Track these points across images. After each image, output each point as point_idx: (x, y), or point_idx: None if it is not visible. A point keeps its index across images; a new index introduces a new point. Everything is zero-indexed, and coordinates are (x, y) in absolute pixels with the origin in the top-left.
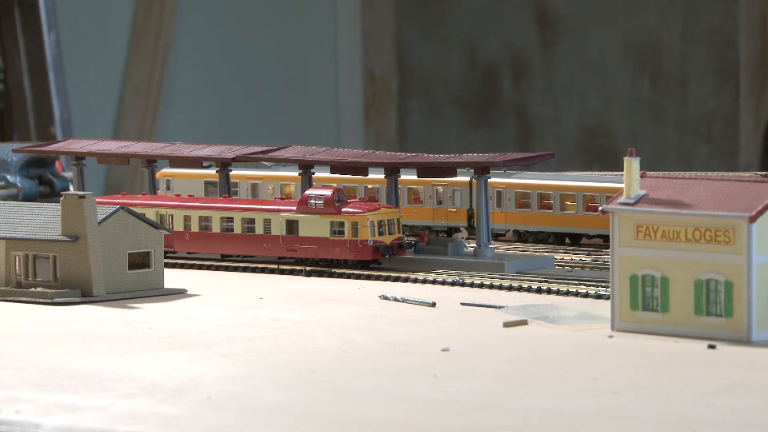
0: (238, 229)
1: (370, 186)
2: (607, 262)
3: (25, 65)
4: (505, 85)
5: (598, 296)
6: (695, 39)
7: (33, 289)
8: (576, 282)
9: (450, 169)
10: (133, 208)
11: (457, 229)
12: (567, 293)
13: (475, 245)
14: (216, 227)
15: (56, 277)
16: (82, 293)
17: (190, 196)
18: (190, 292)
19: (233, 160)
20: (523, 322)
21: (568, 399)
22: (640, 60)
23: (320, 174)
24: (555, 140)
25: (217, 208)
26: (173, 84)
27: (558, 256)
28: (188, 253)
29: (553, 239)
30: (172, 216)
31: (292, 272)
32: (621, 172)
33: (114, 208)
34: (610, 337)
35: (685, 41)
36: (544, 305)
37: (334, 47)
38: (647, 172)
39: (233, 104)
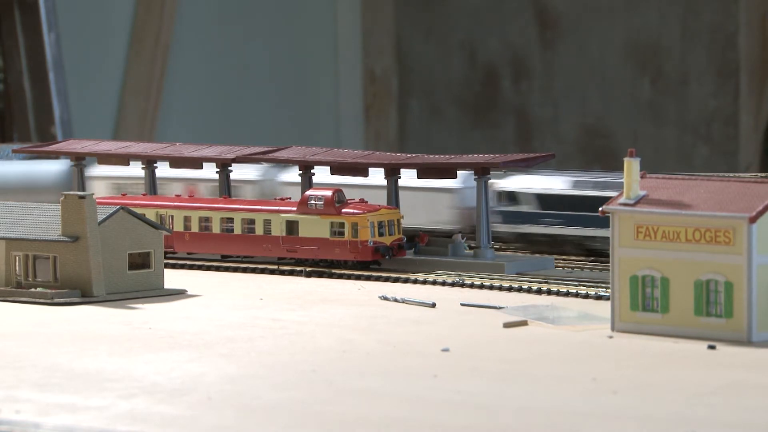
0: (238, 229)
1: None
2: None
3: (25, 65)
4: (505, 85)
5: (598, 297)
6: (695, 39)
7: (33, 290)
8: (576, 283)
9: (450, 170)
10: (133, 209)
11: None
12: (567, 294)
13: (474, 246)
14: (216, 228)
15: (56, 278)
16: (82, 293)
17: (190, 196)
18: (190, 292)
19: (233, 160)
20: (523, 323)
21: (568, 399)
22: (640, 60)
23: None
24: (555, 140)
25: (217, 209)
26: (173, 84)
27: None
28: (188, 253)
29: None
30: (172, 216)
31: (292, 273)
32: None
33: (114, 209)
34: (610, 337)
35: (685, 41)
36: (544, 306)
37: (334, 47)
38: (647, 173)
39: (233, 105)
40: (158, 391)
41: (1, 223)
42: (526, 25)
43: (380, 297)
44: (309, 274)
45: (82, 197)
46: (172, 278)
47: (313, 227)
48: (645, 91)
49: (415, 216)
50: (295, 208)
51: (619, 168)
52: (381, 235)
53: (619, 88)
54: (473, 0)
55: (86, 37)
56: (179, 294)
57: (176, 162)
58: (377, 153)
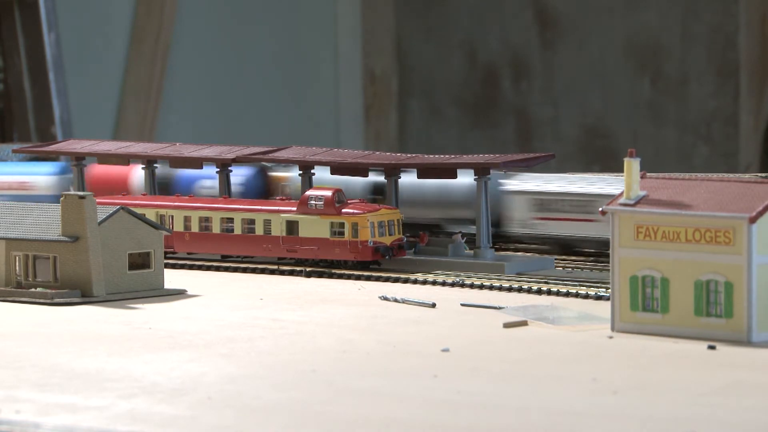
0: (238, 229)
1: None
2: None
3: (25, 65)
4: (505, 85)
5: (598, 297)
6: (695, 39)
7: (33, 290)
8: (576, 283)
9: (450, 170)
10: (133, 209)
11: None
12: (567, 294)
13: (474, 246)
14: (216, 228)
15: (56, 278)
16: (82, 293)
17: (190, 196)
18: (190, 292)
19: (233, 160)
20: (523, 323)
21: (568, 399)
22: (640, 60)
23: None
24: (555, 140)
25: (217, 209)
26: (173, 84)
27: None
28: (188, 253)
29: None
30: (172, 216)
31: (292, 273)
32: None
33: (114, 209)
34: (610, 337)
35: (685, 41)
36: (544, 306)
37: (334, 47)
38: (647, 173)
39: (233, 105)
40: (158, 391)
41: (1, 223)
42: (526, 25)
43: (380, 297)
44: (309, 274)
45: (82, 197)
46: (172, 278)
47: (313, 227)
48: (645, 91)
49: None
50: (295, 208)
51: (619, 168)
52: (381, 235)
53: (619, 88)
54: (473, 0)
55: (86, 37)
56: (179, 294)
57: (176, 162)
58: (377, 153)
